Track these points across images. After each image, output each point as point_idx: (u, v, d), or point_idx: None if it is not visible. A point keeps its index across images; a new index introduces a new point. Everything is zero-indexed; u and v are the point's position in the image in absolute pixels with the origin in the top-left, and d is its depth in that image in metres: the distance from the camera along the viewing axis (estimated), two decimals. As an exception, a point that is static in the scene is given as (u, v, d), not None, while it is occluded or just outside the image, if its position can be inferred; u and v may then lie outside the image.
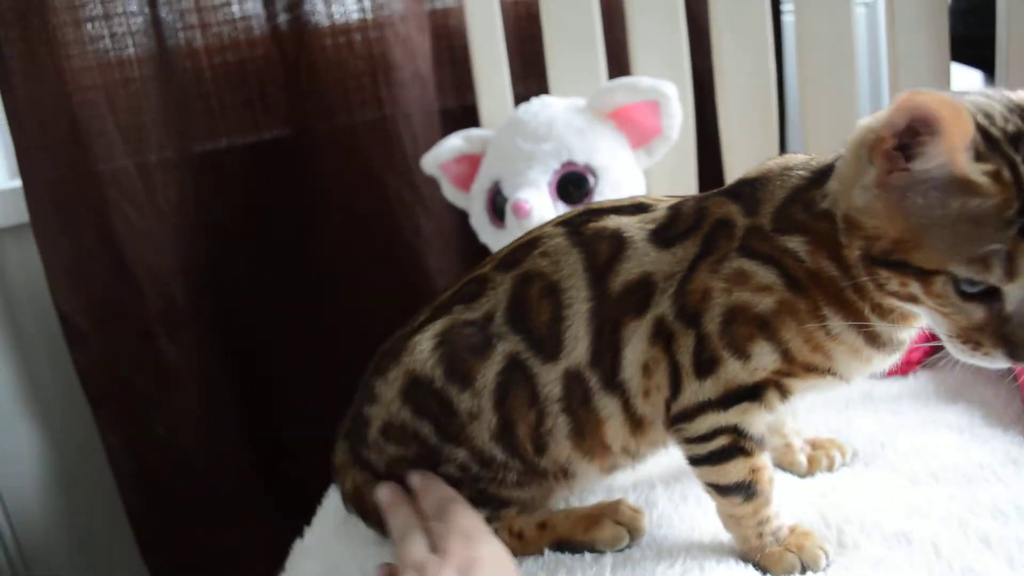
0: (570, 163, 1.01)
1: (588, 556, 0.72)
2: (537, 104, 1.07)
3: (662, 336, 0.67)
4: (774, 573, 0.67)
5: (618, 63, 1.20)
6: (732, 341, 0.64)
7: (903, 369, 0.95)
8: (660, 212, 0.71)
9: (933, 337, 0.95)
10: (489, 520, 0.74)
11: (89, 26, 1.18)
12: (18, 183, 1.20)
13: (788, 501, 0.75)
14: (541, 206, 0.98)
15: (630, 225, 0.70)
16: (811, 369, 0.65)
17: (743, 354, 0.64)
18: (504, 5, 1.19)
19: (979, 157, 0.51)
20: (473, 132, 1.12)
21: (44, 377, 1.29)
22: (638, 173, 1.06)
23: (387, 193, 1.27)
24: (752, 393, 0.66)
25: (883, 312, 0.61)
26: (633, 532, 0.73)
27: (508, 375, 0.71)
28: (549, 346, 0.70)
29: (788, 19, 1.31)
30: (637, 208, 0.72)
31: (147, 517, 1.32)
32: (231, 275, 1.32)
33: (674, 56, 1.15)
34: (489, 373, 0.71)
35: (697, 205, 0.70)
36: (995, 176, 0.50)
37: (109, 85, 1.19)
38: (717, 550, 0.70)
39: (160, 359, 1.27)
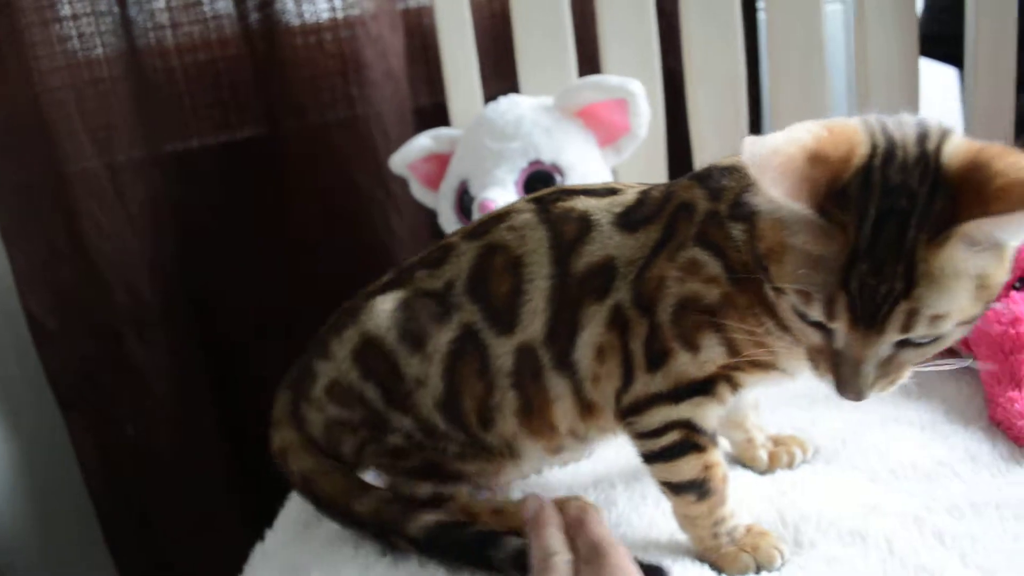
0: (537, 162, 1.01)
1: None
2: (505, 103, 1.07)
3: (618, 323, 0.67)
4: (729, 573, 0.67)
5: (589, 61, 1.20)
6: (682, 332, 0.64)
7: (867, 367, 0.95)
8: (630, 196, 0.71)
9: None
10: (441, 494, 0.74)
11: (57, 26, 1.17)
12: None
13: (747, 499, 0.75)
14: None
15: (598, 208, 0.70)
16: (756, 364, 0.64)
17: (692, 346, 0.64)
18: (475, 4, 1.19)
19: (841, 202, 0.51)
20: (442, 131, 1.12)
21: (13, 379, 1.28)
22: (606, 171, 1.06)
23: (359, 192, 1.27)
24: (703, 387, 0.65)
25: None
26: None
27: (461, 344, 0.71)
28: (505, 319, 0.70)
29: (763, 16, 1.32)
30: (608, 192, 0.72)
31: (118, 519, 1.31)
32: (202, 276, 1.31)
33: (644, 54, 1.15)
34: (442, 340, 0.71)
35: (666, 189, 0.69)
36: (842, 228, 0.51)
37: (78, 85, 1.18)
38: (674, 549, 0.70)
39: (130, 360, 1.26)
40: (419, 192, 1.15)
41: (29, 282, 1.20)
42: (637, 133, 1.04)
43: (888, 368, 0.55)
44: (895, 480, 0.76)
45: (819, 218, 0.51)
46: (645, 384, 0.66)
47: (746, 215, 0.61)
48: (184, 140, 1.28)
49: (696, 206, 0.65)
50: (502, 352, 0.70)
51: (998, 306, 0.86)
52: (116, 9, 1.20)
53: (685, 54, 1.15)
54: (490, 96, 1.15)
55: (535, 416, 0.71)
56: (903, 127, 0.54)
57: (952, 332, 0.54)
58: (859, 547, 0.67)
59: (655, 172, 1.19)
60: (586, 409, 0.71)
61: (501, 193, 0.98)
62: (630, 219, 0.69)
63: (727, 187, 0.64)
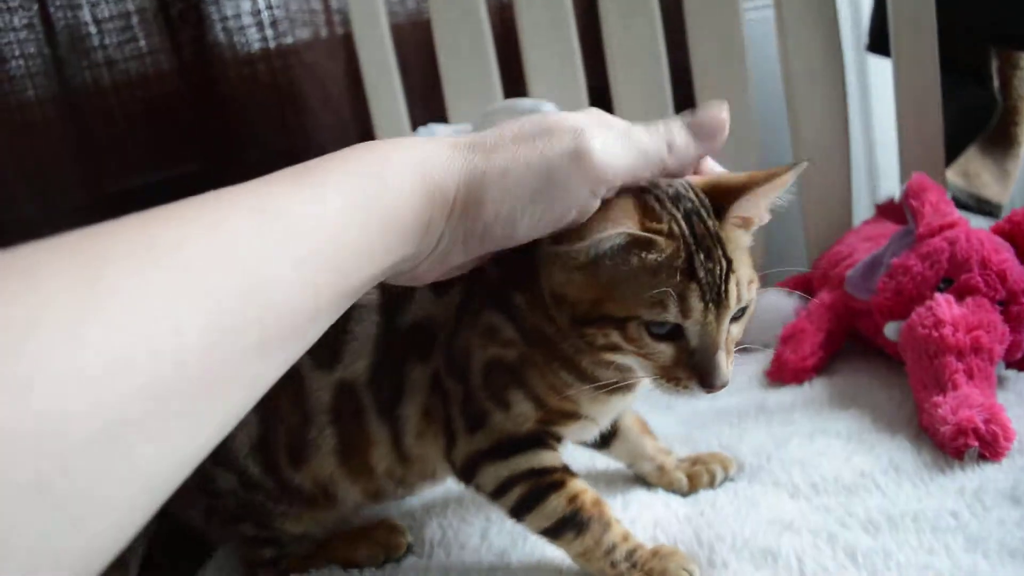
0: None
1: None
2: (423, 132, 1.06)
3: (439, 389, 0.68)
4: None
5: (515, 84, 1.19)
6: (493, 392, 0.66)
7: (798, 378, 0.94)
8: None
9: (828, 344, 0.95)
10: (278, 558, 0.77)
11: (-13, 69, 1.17)
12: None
13: (664, 520, 0.74)
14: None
15: None
16: (566, 415, 0.67)
17: (503, 403, 0.66)
18: (401, 29, 1.19)
19: (652, 216, 0.57)
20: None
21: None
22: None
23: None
24: (526, 442, 0.67)
25: (601, 364, 0.64)
26: (388, 550, 0.76)
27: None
28: (327, 354, 0.69)
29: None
30: None
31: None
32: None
33: (568, 72, 1.15)
34: None
35: None
36: (667, 233, 0.57)
37: (11, 131, 1.18)
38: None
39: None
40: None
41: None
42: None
43: (728, 347, 0.61)
44: (815, 495, 0.74)
45: (654, 237, 0.57)
46: (468, 444, 0.67)
47: (519, 283, 0.65)
48: (125, 179, 1.27)
49: (487, 272, 0.65)
50: (320, 387, 0.70)
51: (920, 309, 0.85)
52: (46, 50, 1.20)
53: (609, 65, 1.14)
54: (422, 121, 1.14)
55: (354, 456, 0.72)
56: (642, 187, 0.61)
57: (754, 299, 0.62)
58: (770, 567, 0.65)
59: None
60: (403, 459, 0.72)
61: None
62: (436, 284, 0.67)
63: (508, 257, 0.64)
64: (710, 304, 0.57)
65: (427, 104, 1.23)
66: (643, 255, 0.57)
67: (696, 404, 0.95)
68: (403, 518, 0.81)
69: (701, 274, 0.57)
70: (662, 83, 1.15)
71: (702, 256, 0.57)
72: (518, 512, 0.67)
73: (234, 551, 0.83)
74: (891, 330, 0.88)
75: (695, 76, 1.15)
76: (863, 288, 0.93)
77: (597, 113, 0.58)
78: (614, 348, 0.60)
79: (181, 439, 0.35)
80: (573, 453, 0.84)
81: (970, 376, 0.79)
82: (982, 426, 0.73)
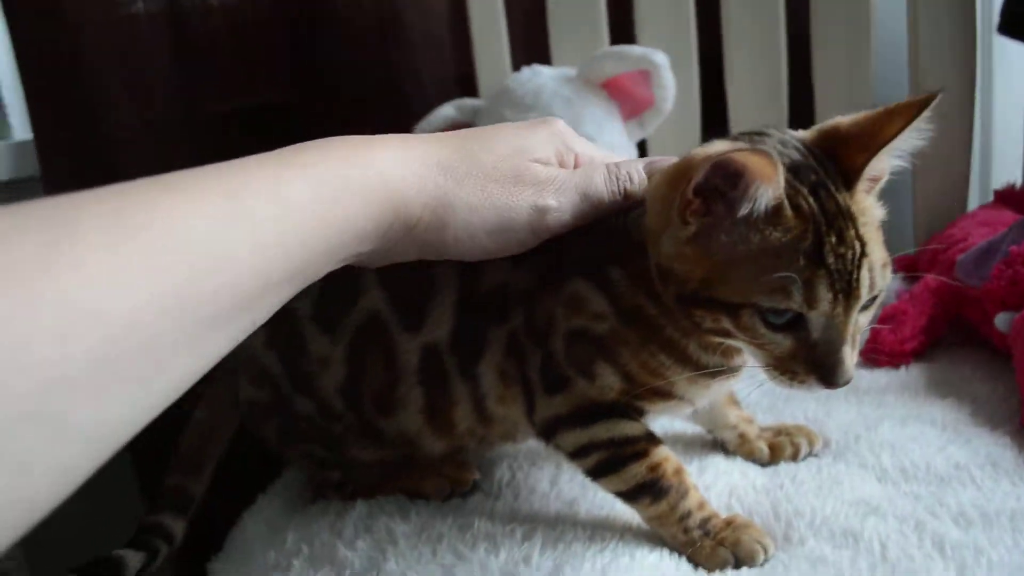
0: (555, 132, 0.98)
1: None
2: (527, 73, 1.04)
3: (515, 350, 0.66)
4: (706, 569, 0.63)
5: (624, 33, 1.16)
6: (576, 362, 0.64)
7: (895, 361, 0.90)
8: None
9: (930, 329, 0.90)
10: (344, 482, 0.78)
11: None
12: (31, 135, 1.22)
13: (740, 489, 0.72)
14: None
15: None
16: (657, 393, 0.63)
17: (588, 374, 0.63)
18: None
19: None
20: (466, 101, 1.10)
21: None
22: (629, 145, 1.02)
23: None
24: (610, 410, 0.64)
25: (708, 347, 0.61)
26: (454, 483, 0.75)
27: (366, 332, 0.71)
28: (412, 316, 0.69)
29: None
30: None
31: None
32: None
33: (680, 28, 1.10)
34: (350, 324, 0.71)
35: None
36: (796, 209, 0.52)
37: (117, 43, 1.19)
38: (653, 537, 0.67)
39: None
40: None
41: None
42: (661, 107, 1.00)
43: (854, 340, 0.56)
44: (904, 481, 0.70)
45: (786, 204, 0.52)
46: (547, 407, 0.66)
47: (618, 256, 0.62)
48: (224, 101, 1.28)
49: (571, 244, 0.63)
50: (408, 348, 0.70)
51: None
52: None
53: (724, 28, 1.10)
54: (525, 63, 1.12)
55: (438, 415, 0.71)
56: (737, 136, 0.59)
57: (890, 282, 0.56)
58: (850, 549, 0.62)
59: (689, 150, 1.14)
60: (487, 420, 0.71)
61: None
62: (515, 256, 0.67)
63: (600, 230, 0.63)
64: (839, 294, 0.53)
65: (530, 45, 1.20)
66: (768, 232, 0.52)
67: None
68: (474, 456, 0.81)
69: (831, 260, 0.52)
70: (778, 52, 1.09)
71: (833, 239, 0.52)
72: (595, 474, 0.66)
73: (301, 471, 0.84)
74: (1002, 320, 0.83)
75: (814, 46, 1.09)
76: (975, 275, 0.87)
77: (564, 176, 0.59)
78: (724, 334, 0.57)
79: (123, 403, 0.36)
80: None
81: (1084, 377, 0.74)
82: (1093, 431, 0.68)
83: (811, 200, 0.52)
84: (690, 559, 0.64)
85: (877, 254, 0.54)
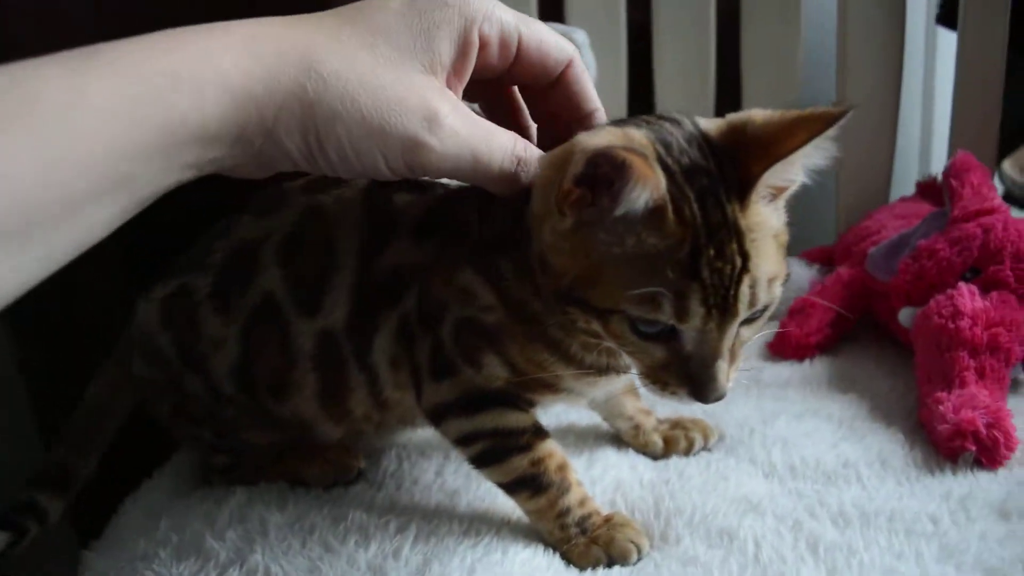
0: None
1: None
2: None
3: (405, 335, 0.64)
4: (578, 567, 0.62)
5: (556, 12, 1.13)
6: (464, 351, 0.61)
7: (800, 354, 0.89)
8: (431, 198, 0.66)
9: (838, 323, 0.88)
10: (231, 467, 0.75)
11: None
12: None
13: (627, 484, 0.70)
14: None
15: (407, 206, 0.66)
16: (544, 386, 0.61)
17: (475, 364, 0.61)
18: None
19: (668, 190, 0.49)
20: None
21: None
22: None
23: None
24: (496, 398, 0.62)
25: (588, 347, 0.58)
26: (337, 470, 0.73)
27: (261, 314, 0.68)
28: (309, 298, 0.66)
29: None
30: (421, 189, 0.67)
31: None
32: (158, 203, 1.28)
33: (609, 5, 1.08)
34: (245, 304, 0.68)
35: (452, 201, 0.65)
36: (679, 215, 0.48)
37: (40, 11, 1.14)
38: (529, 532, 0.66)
39: (85, 285, 1.24)
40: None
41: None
42: (582, 85, 0.97)
43: (733, 354, 0.53)
44: (791, 478, 0.69)
45: (669, 208, 0.48)
46: (434, 393, 0.63)
47: (508, 246, 0.58)
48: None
49: (470, 229, 0.61)
50: (303, 332, 0.67)
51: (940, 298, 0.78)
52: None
53: (653, 5, 1.07)
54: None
55: (334, 401, 0.69)
56: (650, 120, 0.54)
57: (777, 295, 0.53)
58: (724, 549, 0.61)
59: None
60: (382, 405, 0.68)
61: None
62: (420, 229, 0.65)
63: (498, 218, 0.60)
64: (714, 310, 0.49)
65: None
66: (644, 236, 0.49)
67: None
68: (373, 440, 0.79)
69: (706, 274, 0.48)
70: (707, 24, 1.07)
71: (712, 252, 0.48)
72: (478, 463, 0.65)
73: (190, 454, 0.82)
74: (906, 316, 0.82)
75: (743, 19, 1.07)
76: (884, 268, 0.86)
77: (457, 113, 0.50)
78: (597, 336, 0.54)
79: None
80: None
81: (981, 375, 0.73)
82: (983, 430, 0.67)
83: (695, 208, 0.49)
84: (564, 556, 0.63)
85: (763, 268, 0.50)
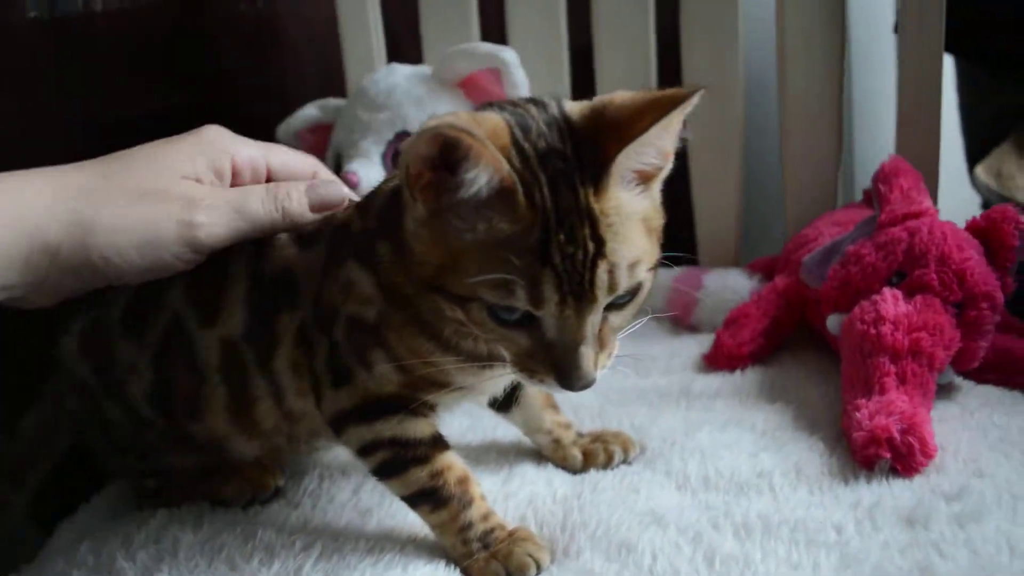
0: (404, 133, 0.96)
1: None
2: (382, 72, 1.02)
3: (304, 341, 0.65)
4: None
5: (499, 33, 1.14)
6: (355, 350, 0.61)
7: (732, 364, 0.88)
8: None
9: (773, 332, 0.88)
10: (160, 490, 0.75)
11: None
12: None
13: (540, 499, 0.70)
14: (371, 178, 0.93)
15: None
16: (435, 383, 0.61)
17: (365, 363, 0.61)
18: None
19: (518, 173, 0.49)
20: (329, 101, 1.08)
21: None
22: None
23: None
24: (393, 406, 0.62)
25: (460, 334, 0.58)
26: (255, 487, 0.74)
27: (170, 332, 0.69)
28: (208, 309, 0.67)
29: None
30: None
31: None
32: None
33: (552, 26, 1.09)
34: (156, 326, 0.69)
35: (328, 217, 0.67)
36: (530, 200, 0.49)
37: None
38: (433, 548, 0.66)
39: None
40: (308, 162, 1.12)
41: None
42: (514, 105, 0.98)
43: (602, 341, 0.53)
44: (703, 490, 0.69)
45: (519, 190, 0.49)
46: (333, 400, 0.64)
47: (388, 230, 0.59)
48: (114, 108, 1.27)
49: (351, 225, 0.63)
50: (207, 345, 0.68)
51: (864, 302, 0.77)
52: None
53: (594, 26, 1.08)
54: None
55: (241, 413, 0.69)
56: (517, 103, 0.54)
57: (646, 281, 0.53)
58: (619, 563, 0.61)
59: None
60: (287, 415, 0.69)
61: (366, 165, 0.94)
62: (300, 236, 0.67)
63: (373, 200, 0.63)
64: (569, 296, 0.49)
65: (405, 44, 1.19)
66: (495, 221, 0.49)
67: (620, 380, 0.89)
68: (290, 463, 0.80)
69: (557, 260, 0.48)
70: (647, 45, 1.08)
71: (562, 237, 0.48)
72: (379, 475, 0.65)
73: (124, 481, 0.83)
74: (833, 323, 0.81)
75: (683, 38, 1.08)
76: (817, 275, 0.85)
77: (215, 193, 0.62)
78: (463, 324, 0.55)
79: None
80: (480, 414, 0.81)
81: (902, 381, 0.72)
82: (897, 436, 0.66)
83: (546, 192, 0.49)
84: (464, 572, 0.63)
85: (623, 253, 0.50)
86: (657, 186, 0.55)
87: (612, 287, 0.50)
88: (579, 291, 0.49)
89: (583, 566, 0.61)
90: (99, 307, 0.73)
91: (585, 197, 0.49)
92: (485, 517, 0.63)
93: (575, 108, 0.53)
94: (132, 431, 0.73)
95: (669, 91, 0.50)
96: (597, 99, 0.53)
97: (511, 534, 0.63)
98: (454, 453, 0.65)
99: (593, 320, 0.51)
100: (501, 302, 0.50)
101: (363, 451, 0.64)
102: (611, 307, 0.52)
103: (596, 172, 0.49)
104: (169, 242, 0.60)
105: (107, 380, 0.72)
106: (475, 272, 0.50)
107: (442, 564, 0.63)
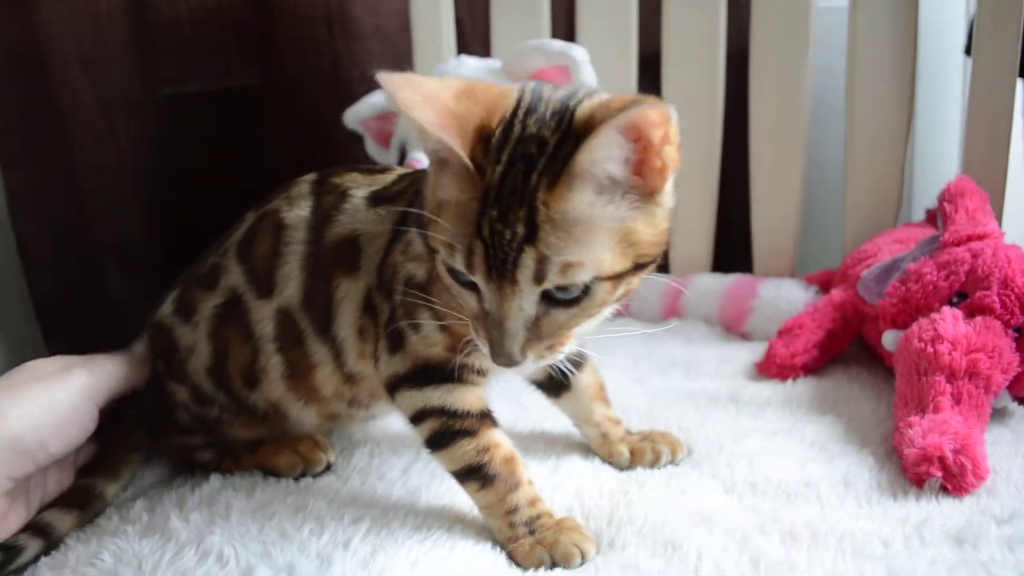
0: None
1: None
2: (452, 63, 1.03)
3: (370, 307, 0.67)
4: (521, 566, 0.63)
5: (569, 31, 1.15)
6: (408, 312, 0.63)
7: (783, 374, 0.88)
8: (391, 176, 0.71)
9: (827, 344, 0.87)
10: (213, 462, 0.78)
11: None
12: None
13: (586, 492, 0.71)
14: (435, 166, 0.94)
15: (357, 182, 0.71)
16: (471, 343, 0.61)
17: (415, 325, 0.63)
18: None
19: (487, 149, 0.52)
20: (397, 89, 1.09)
21: (8, 300, 1.34)
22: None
23: (336, 146, 1.27)
24: (444, 372, 0.64)
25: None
26: (306, 462, 0.76)
27: (226, 309, 0.72)
28: (264, 282, 0.70)
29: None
30: (379, 171, 0.73)
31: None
32: (188, 216, 1.33)
33: (621, 31, 1.09)
34: (208, 305, 0.73)
35: (416, 174, 0.70)
36: (480, 171, 0.51)
37: (74, 18, 1.21)
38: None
39: (112, 294, 1.30)
40: (372, 149, 1.14)
41: (20, 206, 1.25)
42: (580, 103, 0.99)
43: (541, 331, 0.54)
44: (751, 495, 0.69)
45: (464, 157, 0.51)
46: (388, 365, 0.66)
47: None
48: (179, 83, 1.30)
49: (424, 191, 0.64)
50: (263, 317, 0.70)
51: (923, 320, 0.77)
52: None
53: (664, 37, 1.09)
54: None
55: (300, 380, 0.72)
56: (558, 88, 0.55)
57: (598, 289, 0.53)
58: (665, 559, 0.61)
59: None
60: (347, 378, 0.71)
61: (430, 154, 0.95)
62: (378, 196, 0.69)
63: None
64: (493, 272, 0.52)
65: (475, 37, 1.20)
66: (455, 187, 0.52)
67: (669, 381, 0.90)
68: (340, 439, 0.81)
69: (486, 233, 0.51)
70: (716, 59, 1.08)
71: (495, 213, 0.50)
72: (431, 445, 0.66)
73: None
74: (889, 339, 0.80)
75: (752, 56, 1.08)
76: (874, 291, 0.85)
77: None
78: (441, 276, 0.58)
79: None
80: (529, 404, 0.82)
81: (958, 401, 0.72)
82: (950, 456, 0.66)
83: (498, 170, 0.51)
84: (509, 555, 0.64)
85: (560, 249, 0.50)
86: (661, 203, 0.54)
87: (538, 277, 0.52)
88: (502, 269, 0.52)
89: (628, 560, 0.62)
90: (156, 310, 0.77)
91: (535, 185, 0.50)
92: (532, 503, 0.64)
93: (591, 103, 0.53)
94: (196, 409, 0.76)
95: (625, 101, 0.50)
96: (616, 97, 0.53)
97: (558, 523, 0.64)
98: (502, 432, 0.66)
99: (520, 304, 0.53)
100: (448, 260, 0.54)
101: (415, 419, 0.66)
102: (555, 303, 0.53)
103: (557, 168, 0.51)
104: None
105: (171, 363, 0.75)
106: (439, 228, 0.54)
107: (488, 546, 0.64)
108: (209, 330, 0.73)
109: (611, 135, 0.49)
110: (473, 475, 0.63)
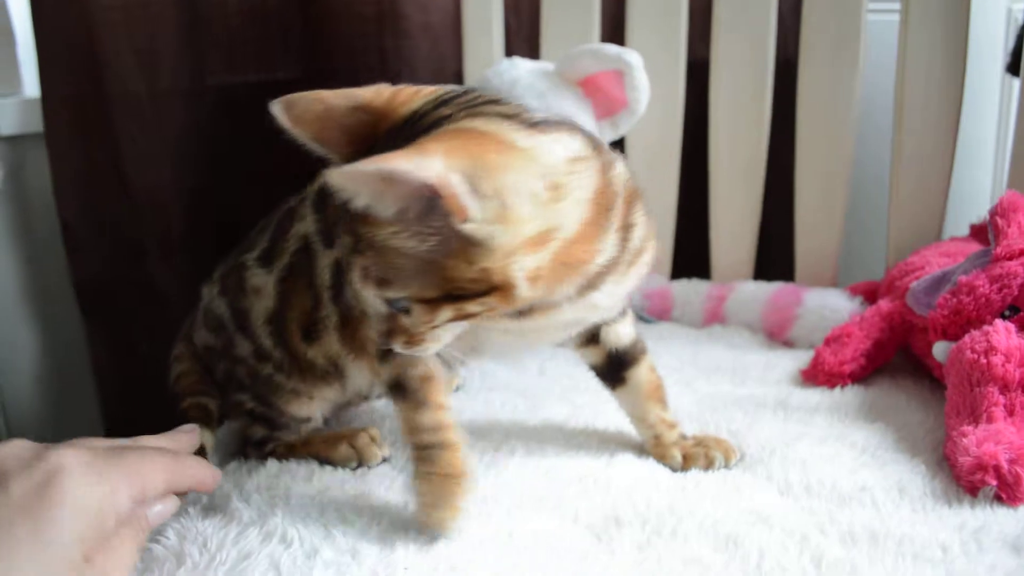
0: (524, 125, 0.98)
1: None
2: (505, 64, 1.04)
3: None
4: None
5: (619, 35, 1.16)
6: None
7: (831, 381, 0.88)
8: None
9: (874, 353, 0.88)
10: (265, 440, 0.80)
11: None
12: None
13: (643, 483, 0.72)
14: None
15: None
16: None
17: None
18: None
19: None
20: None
21: (49, 281, 1.36)
22: (599, 144, 1.02)
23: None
24: None
25: None
26: (362, 456, 0.77)
27: (298, 256, 0.74)
28: (329, 233, 0.72)
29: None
30: None
31: (123, 425, 1.37)
32: (230, 206, 1.35)
33: (671, 34, 1.10)
34: (284, 252, 0.75)
35: None
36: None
37: (128, 7, 1.23)
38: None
39: (153, 280, 1.32)
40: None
41: (66, 191, 1.26)
42: (634, 108, 1.00)
43: (394, 325, 0.57)
44: (805, 496, 0.70)
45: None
46: None
47: None
48: (228, 74, 1.31)
49: None
50: (324, 265, 0.73)
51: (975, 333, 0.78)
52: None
53: (713, 44, 1.10)
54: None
55: (352, 332, 0.73)
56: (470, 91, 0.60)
57: (415, 308, 0.55)
58: (727, 553, 0.62)
59: (667, 157, 1.15)
60: None
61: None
62: None
63: None
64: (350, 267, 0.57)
65: (524, 39, 1.21)
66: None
67: (715, 386, 0.91)
68: (394, 432, 0.82)
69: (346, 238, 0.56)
70: (765, 68, 1.09)
71: (349, 219, 0.54)
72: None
73: (233, 423, 0.85)
74: (940, 350, 0.81)
75: (801, 64, 1.09)
76: (924, 303, 0.86)
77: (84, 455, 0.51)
78: None
79: None
80: (580, 403, 0.84)
81: (1011, 413, 0.72)
82: (1005, 465, 0.66)
83: None
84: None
85: (373, 264, 0.54)
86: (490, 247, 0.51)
87: (364, 282, 0.55)
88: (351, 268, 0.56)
89: (689, 552, 0.62)
90: (239, 255, 0.78)
91: None
92: (437, 429, 0.67)
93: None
94: (253, 364, 0.78)
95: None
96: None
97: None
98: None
99: (376, 300, 0.57)
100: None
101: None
102: (398, 308, 0.56)
103: None
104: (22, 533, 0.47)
105: (238, 311, 0.77)
106: None
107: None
108: (280, 277, 0.75)
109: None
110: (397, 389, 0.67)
